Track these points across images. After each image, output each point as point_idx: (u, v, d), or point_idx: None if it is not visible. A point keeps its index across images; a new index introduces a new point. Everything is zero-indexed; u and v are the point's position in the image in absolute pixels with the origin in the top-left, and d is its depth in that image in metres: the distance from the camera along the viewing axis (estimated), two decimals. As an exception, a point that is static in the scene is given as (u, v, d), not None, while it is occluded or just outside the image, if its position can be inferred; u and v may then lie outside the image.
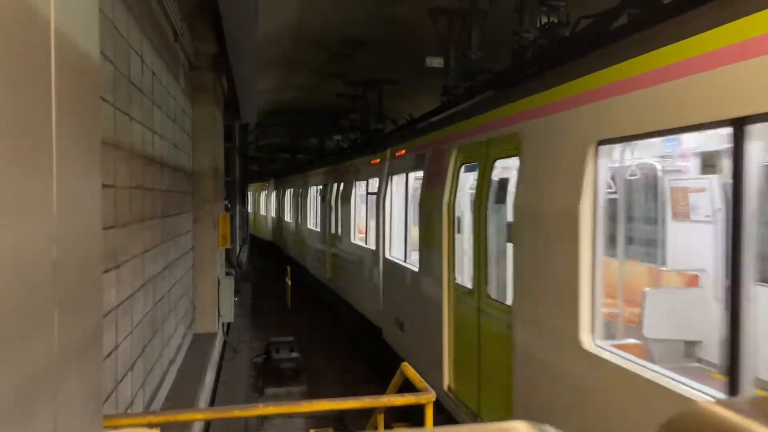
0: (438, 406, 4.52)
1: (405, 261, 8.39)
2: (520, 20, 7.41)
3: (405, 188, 8.59)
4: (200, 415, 3.21)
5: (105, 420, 2.97)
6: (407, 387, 3.62)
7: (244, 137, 20.82)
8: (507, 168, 5.56)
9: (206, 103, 8.95)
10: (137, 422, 2.82)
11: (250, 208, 39.19)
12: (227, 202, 13.75)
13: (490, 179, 5.34)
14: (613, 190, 3.99)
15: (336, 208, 13.56)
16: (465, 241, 6.21)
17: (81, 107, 2.00)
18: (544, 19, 7.20)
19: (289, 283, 15.77)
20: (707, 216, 4.77)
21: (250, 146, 25.32)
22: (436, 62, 10.09)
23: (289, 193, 23.60)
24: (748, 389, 2.50)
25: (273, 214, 29.24)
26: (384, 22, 10.80)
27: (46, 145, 1.65)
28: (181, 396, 6.08)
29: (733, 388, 2.52)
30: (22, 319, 1.48)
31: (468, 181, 6.35)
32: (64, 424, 1.77)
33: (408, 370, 3.59)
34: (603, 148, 3.46)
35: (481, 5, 8.93)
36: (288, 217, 23.65)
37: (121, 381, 4.08)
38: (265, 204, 32.54)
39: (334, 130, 21.22)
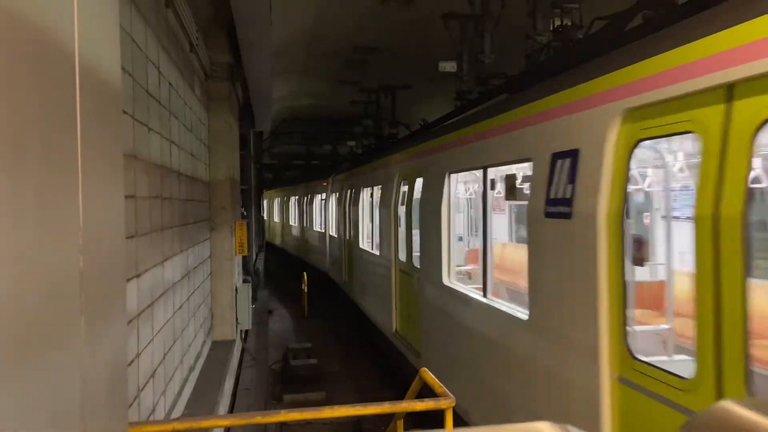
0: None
1: None
2: (533, 23, 7.42)
3: None
4: (223, 422, 3.25)
5: (130, 427, 3.01)
6: (426, 392, 3.63)
7: (259, 145, 20.97)
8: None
9: (222, 112, 9.05)
10: (162, 429, 2.86)
11: (294, 221, 27.23)
12: (243, 209, 13.86)
13: None
14: None
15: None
16: None
17: (104, 122, 2.06)
18: (558, 22, 7.19)
19: (306, 289, 15.83)
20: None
21: (265, 154, 25.48)
22: (449, 67, 10.10)
23: (366, 197, 12.79)
24: None
25: (334, 231, 17.23)
26: (397, 27, 10.85)
27: (72, 160, 1.71)
28: (201, 403, 6.13)
29: None
30: (51, 327, 1.53)
31: None
32: (91, 431, 1.81)
33: (426, 375, 3.59)
34: None
35: (493, 9, 8.94)
36: (365, 242, 12.85)
37: (143, 388, 4.14)
38: (320, 214, 19.94)
39: (348, 136, 21.33)
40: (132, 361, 3.83)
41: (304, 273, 16.53)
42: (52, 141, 1.54)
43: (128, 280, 3.70)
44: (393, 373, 10.03)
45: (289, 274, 23.26)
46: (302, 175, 28.40)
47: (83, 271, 1.74)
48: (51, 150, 1.53)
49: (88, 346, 1.77)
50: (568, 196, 3.96)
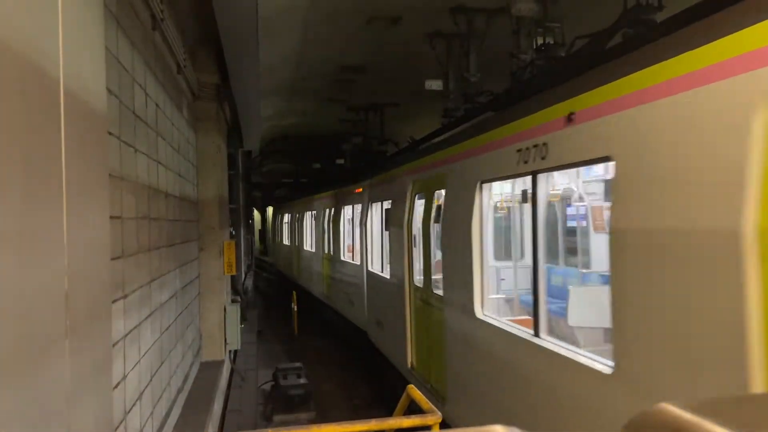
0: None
1: None
2: (516, 42, 7.54)
3: None
4: (209, 443, 3.22)
5: (115, 450, 2.98)
6: (414, 410, 3.64)
7: (248, 164, 20.98)
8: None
9: (210, 132, 9.08)
10: (147, 451, 2.83)
11: (342, 250, 14.90)
12: (232, 229, 13.83)
13: None
14: None
15: None
16: None
17: (89, 144, 2.07)
18: (540, 41, 7.33)
19: (295, 308, 15.76)
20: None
21: (253, 173, 25.48)
22: (435, 85, 10.22)
23: None
24: None
25: None
26: (383, 47, 10.96)
27: (57, 182, 1.72)
28: (190, 425, 6.07)
29: None
30: (36, 349, 1.53)
31: None
32: (77, 453, 1.80)
33: (414, 392, 3.60)
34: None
35: (478, 28, 9.08)
36: None
37: (129, 411, 4.10)
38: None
39: (337, 154, 21.41)
40: (118, 383, 3.79)
41: (294, 292, 16.47)
42: (36, 162, 1.56)
43: (115, 301, 3.69)
44: (384, 391, 9.98)
45: (278, 293, 23.15)
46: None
47: (68, 293, 1.74)
48: (35, 171, 1.55)
49: (74, 367, 1.77)
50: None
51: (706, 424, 0.64)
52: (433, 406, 3.09)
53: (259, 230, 41.03)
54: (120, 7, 4.12)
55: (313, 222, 18.32)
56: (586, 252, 6.59)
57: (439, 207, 6.73)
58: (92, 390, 2.06)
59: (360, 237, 11.96)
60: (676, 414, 0.68)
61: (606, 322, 3.66)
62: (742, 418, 0.69)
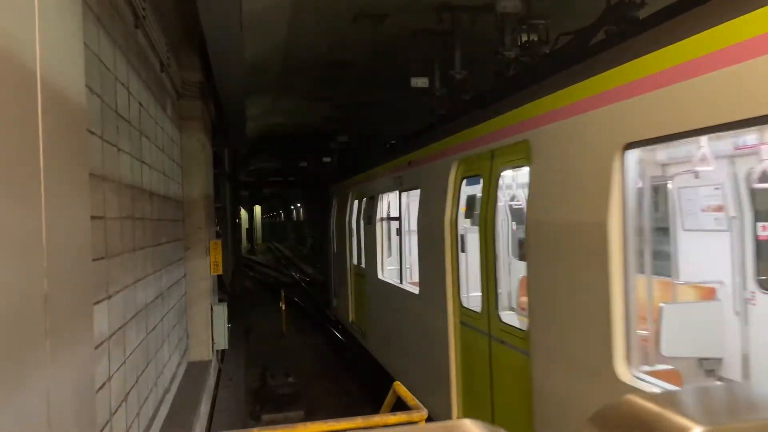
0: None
1: None
2: (501, 39, 7.56)
3: None
4: (196, 443, 3.21)
5: (99, 451, 2.95)
6: (400, 406, 3.64)
7: (234, 163, 20.88)
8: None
9: (194, 131, 9.01)
10: (132, 452, 2.80)
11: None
12: (219, 227, 13.75)
13: None
14: None
15: None
16: None
17: (68, 142, 2.05)
18: (525, 38, 7.36)
19: (284, 307, 15.72)
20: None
21: (240, 172, 25.37)
22: (420, 82, 10.21)
23: None
24: None
25: None
26: (369, 45, 10.95)
27: (35, 180, 1.70)
28: (177, 426, 6.04)
29: None
30: (15, 353, 1.51)
31: None
32: (58, 455, 1.78)
33: (400, 388, 3.61)
34: None
35: (463, 26, 9.09)
36: None
37: (115, 412, 4.07)
38: None
39: (323, 152, 21.40)
40: (103, 384, 3.76)
41: (282, 291, 16.43)
42: (12, 161, 1.54)
43: (99, 302, 3.66)
44: (372, 389, 9.98)
45: (266, 292, 23.06)
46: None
47: (48, 294, 1.72)
48: (11, 169, 1.53)
49: (54, 370, 1.75)
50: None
51: (669, 414, 0.66)
52: (418, 403, 3.10)
53: (246, 229, 41.13)
54: (101, 5, 4.08)
55: None
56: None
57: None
58: (73, 392, 2.03)
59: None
60: (640, 405, 0.70)
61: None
62: (704, 409, 0.71)
